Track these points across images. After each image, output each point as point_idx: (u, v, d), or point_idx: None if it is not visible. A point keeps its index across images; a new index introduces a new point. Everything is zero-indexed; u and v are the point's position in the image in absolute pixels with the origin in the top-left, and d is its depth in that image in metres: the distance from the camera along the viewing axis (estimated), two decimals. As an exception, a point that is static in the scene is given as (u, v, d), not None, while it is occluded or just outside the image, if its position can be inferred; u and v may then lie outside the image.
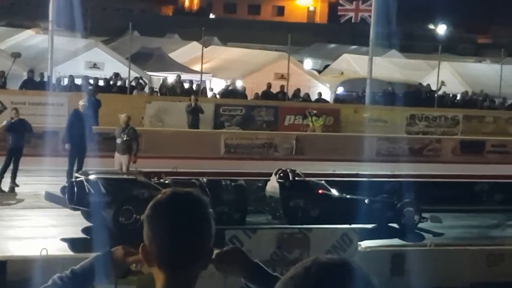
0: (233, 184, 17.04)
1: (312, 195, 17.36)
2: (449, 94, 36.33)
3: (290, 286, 1.87)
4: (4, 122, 20.00)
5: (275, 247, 14.24)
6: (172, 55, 38.03)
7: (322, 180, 18.37)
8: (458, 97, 36.57)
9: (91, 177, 16.22)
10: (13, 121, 19.74)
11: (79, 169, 19.67)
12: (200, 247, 2.63)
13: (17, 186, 19.54)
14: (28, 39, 36.40)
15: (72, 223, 16.77)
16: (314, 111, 30.46)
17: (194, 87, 33.25)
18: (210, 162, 23.89)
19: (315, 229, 15.71)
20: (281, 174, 17.63)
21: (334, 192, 17.71)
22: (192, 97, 29.04)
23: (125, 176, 16.95)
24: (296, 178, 17.58)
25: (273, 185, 17.58)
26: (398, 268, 14.80)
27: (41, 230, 16.25)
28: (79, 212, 16.78)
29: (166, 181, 16.52)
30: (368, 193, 17.85)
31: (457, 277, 14.93)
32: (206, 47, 36.53)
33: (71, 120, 20.44)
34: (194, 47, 39.42)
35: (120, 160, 19.91)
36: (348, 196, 17.62)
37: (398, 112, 32.41)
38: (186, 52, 39.85)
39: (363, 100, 33.79)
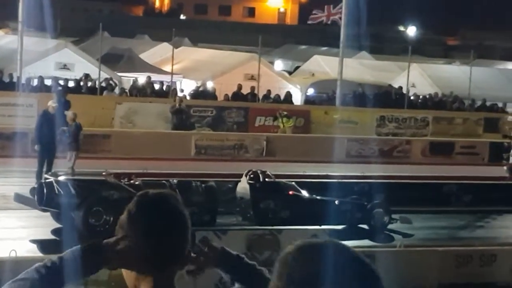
0: (203, 185, 16.98)
1: (283, 197, 17.33)
2: (418, 96, 36.56)
3: (285, 265, 1.96)
4: None
5: (245, 248, 14.25)
6: (142, 56, 37.94)
7: (292, 182, 18.41)
8: (428, 98, 36.80)
9: (61, 178, 16.13)
10: None
11: (49, 170, 19.57)
12: (181, 248, 2.66)
13: None
14: (-3, 39, 36.16)
15: (41, 224, 16.67)
16: (285, 112, 30.52)
17: (164, 88, 33.19)
18: (181, 163, 23.88)
19: (285, 230, 15.74)
20: (252, 176, 17.59)
21: (305, 193, 17.72)
22: (177, 97, 29.11)
23: (95, 178, 16.83)
24: (266, 180, 17.54)
25: (243, 186, 17.51)
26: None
27: (10, 232, 16.14)
28: (48, 214, 16.67)
29: (136, 183, 16.44)
30: (338, 194, 17.91)
31: (426, 278, 15.03)
32: (176, 48, 36.49)
33: (41, 121, 20.34)
34: (164, 48, 39.38)
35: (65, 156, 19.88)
36: (318, 197, 17.62)
37: (368, 113, 32.57)
38: (157, 53, 39.79)
39: (334, 101, 33.92)
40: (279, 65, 48.20)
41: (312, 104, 34.95)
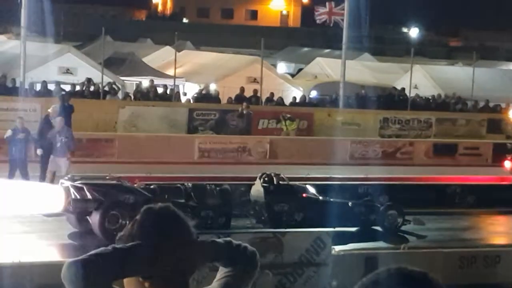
0: (217, 188, 17.15)
1: (297, 199, 17.48)
2: (421, 97, 36.55)
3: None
4: None
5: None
6: (145, 59, 37.97)
7: (306, 184, 18.46)
8: (431, 99, 36.79)
9: (77, 182, 16.17)
10: None
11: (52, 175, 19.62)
12: (191, 266, 2.69)
13: None
14: (0, 44, 36.19)
15: (45, 229, 16.70)
16: (288, 115, 30.52)
17: (168, 91, 33.22)
18: (184, 166, 23.90)
19: (288, 233, 15.78)
20: (266, 178, 17.76)
21: (318, 195, 17.84)
22: (244, 103, 29.61)
23: (111, 182, 16.89)
24: (280, 182, 17.72)
25: (257, 189, 17.68)
26: (371, 271, 14.84)
27: (14, 237, 16.15)
28: (52, 218, 16.72)
29: (151, 187, 16.66)
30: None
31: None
32: (179, 51, 36.50)
33: (42, 126, 20.36)
34: (167, 51, 39.39)
35: (58, 163, 19.66)
36: (331, 200, 17.74)
37: (371, 115, 32.58)
38: (159, 56, 39.81)
39: (337, 103, 33.91)
40: (281, 67, 48.23)
41: (315, 107, 34.94)
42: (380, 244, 17.02)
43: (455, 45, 73.15)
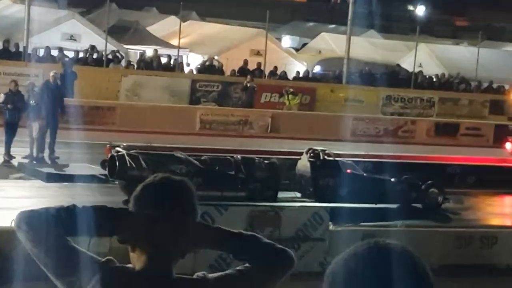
0: (266, 161, 17.65)
1: (341, 175, 17.78)
2: (425, 76, 36.44)
3: (347, 266, 1.88)
4: None
5: (247, 225, 14.28)
6: (149, 29, 37.80)
7: (349, 160, 18.85)
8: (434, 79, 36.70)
9: (132, 151, 16.67)
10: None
11: (53, 141, 19.63)
12: (181, 232, 2.67)
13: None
14: (4, 8, 36.02)
15: (45, 194, 16.75)
16: (291, 89, 30.46)
17: (172, 62, 33.13)
18: (185, 137, 23.89)
19: (286, 207, 15.92)
20: (312, 154, 18.10)
21: (362, 172, 18.22)
22: (248, 76, 29.61)
23: (165, 152, 17.42)
24: (326, 158, 18.03)
25: (304, 164, 18.10)
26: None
27: (12, 201, 16.19)
28: (52, 184, 16.80)
29: (203, 157, 17.23)
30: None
31: (426, 259, 14.94)
32: (184, 21, 36.37)
33: (41, 91, 20.27)
34: (172, 21, 39.23)
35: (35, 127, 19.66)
36: (374, 176, 18.09)
37: (374, 92, 32.51)
38: (164, 26, 39.63)
39: (340, 79, 33.83)
40: (286, 41, 48.05)
41: (319, 82, 34.86)
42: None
43: (461, 25, 72.82)
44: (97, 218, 2.65)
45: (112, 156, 16.80)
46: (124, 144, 17.72)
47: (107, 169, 16.82)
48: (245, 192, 17.20)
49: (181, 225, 2.66)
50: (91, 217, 2.65)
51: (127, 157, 16.39)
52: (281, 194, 17.74)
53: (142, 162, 16.33)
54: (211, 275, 2.74)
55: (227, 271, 2.76)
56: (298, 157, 18.58)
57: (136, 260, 2.69)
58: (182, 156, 17.01)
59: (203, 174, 16.67)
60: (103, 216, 2.67)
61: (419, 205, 18.48)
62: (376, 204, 16.96)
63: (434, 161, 22.35)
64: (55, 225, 2.63)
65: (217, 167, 17.11)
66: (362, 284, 1.79)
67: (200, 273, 2.74)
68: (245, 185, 17.04)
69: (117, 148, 17.08)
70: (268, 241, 2.79)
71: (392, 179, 18.19)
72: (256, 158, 17.81)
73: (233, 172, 17.16)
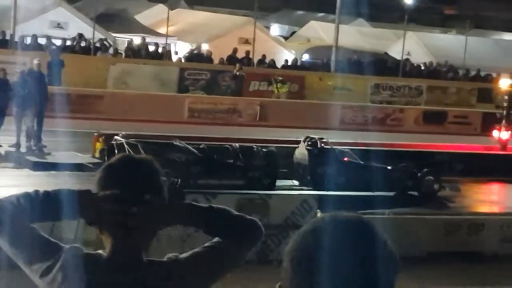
0: (264, 150, 17.73)
1: (339, 163, 17.87)
2: (413, 64, 36.47)
3: (307, 241, 1.86)
4: None
5: (235, 212, 14.30)
6: (137, 17, 37.67)
7: (347, 148, 18.97)
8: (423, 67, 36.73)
9: (131, 140, 16.79)
10: None
11: (39, 130, 19.54)
12: (146, 211, 2.62)
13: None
14: (-9, -4, 35.84)
15: (32, 183, 16.66)
16: (280, 78, 30.44)
17: (159, 50, 33.03)
18: (174, 126, 23.84)
19: (274, 195, 15.96)
20: (309, 142, 18.20)
21: (359, 160, 18.27)
22: (237, 65, 29.58)
23: (163, 141, 17.47)
24: (324, 146, 18.14)
25: (302, 152, 18.18)
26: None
27: (2, 190, 16.13)
28: (39, 173, 16.73)
29: (201, 146, 17.21)
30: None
31: (414, 246, 15.08)
32: (172, 9, 36.26)
33: (25, 80, 20.11)
34: (160, 9, 39.07)
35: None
36: (371, 164, 18.10)
37: (362, 81, 32.53)
38: (152, 14, 39.48)
39: (328, 68, 33.81)
40: (275, 30, 48.00)
41: (307, 70, 34.84)
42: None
43: (449, 13, 72.85)
44: (60, 202, 2.63)
45: (111, 144, 16.84)
46: (123, 132, 17.77)
47: (105, 158, 16.76)
48: (244, 180, 17.24)
49: (145, 203, 2.61)
50: (54, 202, 2.63)
51: (126, 146, 16.41)
52: (279, 183, 17.80)
53: (141, 151, 16.35)
54: (182, 255, 2.72)
55: (198, 249, 2.73)
56: (295, 145, 18.64)
57: (105, 244, 2.67)
58: (181, 144, 17.05)
59: (202, 162, 16.70)
60: (66, 200, 2.63)
61: (415, 193, 18.53)
62: (373, 192, 16.96)
63: (422, 149, 22.39)
64: (17, 213, 2.61)
65: (216, 156, 17.21)
66: (322, 257, 1.79)
67: (171, 255, 2.71)
68: (244, 173, 17.11)
69: (116, 137, 17.11)
70: (238, 213, 2.76)
71: (389, 167, 18.24)
72: (254, 147, 17.90)
73: (231, 161, 17.24)
